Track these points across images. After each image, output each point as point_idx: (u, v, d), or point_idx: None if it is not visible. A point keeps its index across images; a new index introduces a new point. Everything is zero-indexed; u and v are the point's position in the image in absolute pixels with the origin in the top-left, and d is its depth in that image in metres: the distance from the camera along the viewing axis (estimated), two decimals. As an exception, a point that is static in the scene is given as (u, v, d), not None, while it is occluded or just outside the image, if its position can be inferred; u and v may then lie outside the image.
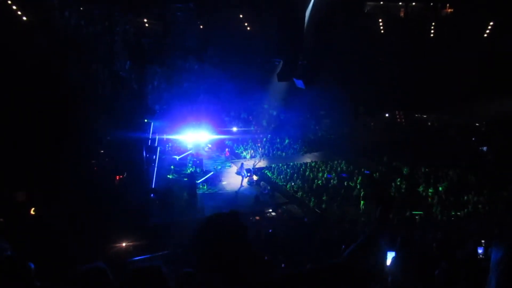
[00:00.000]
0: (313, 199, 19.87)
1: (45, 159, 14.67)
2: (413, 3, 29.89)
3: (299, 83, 20.05)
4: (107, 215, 14.27)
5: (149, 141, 19.72)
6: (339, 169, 22.86)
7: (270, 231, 15.34)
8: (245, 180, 21.66)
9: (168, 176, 21.34)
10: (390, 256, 4.11)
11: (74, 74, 19.70)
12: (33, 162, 14.15)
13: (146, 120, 20.70)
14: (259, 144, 26.29)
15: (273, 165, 23.74)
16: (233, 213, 2.10)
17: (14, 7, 22.29)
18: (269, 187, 21.36)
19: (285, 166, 23.52)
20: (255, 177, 21.81)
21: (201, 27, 29.55)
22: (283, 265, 10.96)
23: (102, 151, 17.43)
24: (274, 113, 29.21)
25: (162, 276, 2.24)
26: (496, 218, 15.76)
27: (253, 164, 23.41)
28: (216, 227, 2.02)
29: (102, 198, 14.88)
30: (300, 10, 18.80)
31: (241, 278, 1.95)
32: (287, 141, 26.72)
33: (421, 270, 4.05)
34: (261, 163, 24.06)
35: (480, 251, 6.53)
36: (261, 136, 27.05)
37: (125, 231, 14.13)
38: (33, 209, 12.94)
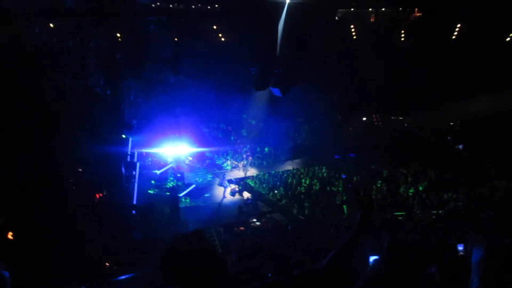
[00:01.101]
0: (296, 206, 19.91)
1: (21, 180, 14.23)
2: (383, 9, 30.61)
3: (276, 91, 20.17)
4: (88, 234, 13.93)
5: (128, 156, 19.39)
6: (320, 174, 22.99)
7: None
8: (228, 191, 21.55)
9: (149, 191, 21.02)
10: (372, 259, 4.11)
11: (47, 91, 19.27)
12: (8, 184, 13.70)
13: (124, 136, 20.35)
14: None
15: (254, 175, 23.70)
16: (197, 233, 2.04)
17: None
18: (251, 197, 21.31)
19: (267, 175, 23.52)
20: (235, 187, 21.73)
21: (176, 39, 29.50)
22: (269, 274, 10.90)
23: (80, 169, 17.03)
24: (253, 122, 29.25)
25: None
26: (475, 215, 16.10)
27: (244, 172, 23.44)
28: (181, 250, 1.96)
29: (82, 217, 14.52)
30: (273, 19, 19.00)
31: None
32: (267, 149, 26.75)
33: (408, 272, 4.07)
34: (251, 171, 24.06)
35: (460, 248, 6.61)
36: (241, 146, 27.01)
37: (108, 249, 13.84)
38: (10, 233, 12.50)
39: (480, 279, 1.89)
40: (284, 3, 19.10)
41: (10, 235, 12.22)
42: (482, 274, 1.88)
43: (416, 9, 30.83)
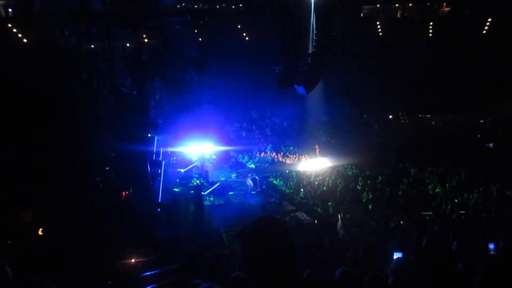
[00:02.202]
0: (320, 205, 19.74)
1: (51, 178, 14.70)
2: (410, 4, 29.98)
3: (300, 90, 20.06)
4: (114, 231, 14.23)
5: (154, 155, 19.72)
6: (344, 173, 22.71)
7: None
8: (252, 189, 21.59)
9: (174, 189, 21.30)
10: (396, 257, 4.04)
11: (76, 92, 19.86)
12: (39, 182, 14.18)
13: (149, 135, 20.71)
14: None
15: (277, 173, 23.63)
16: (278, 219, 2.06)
17: (15, 30, 22.61)
18: (275, 196, 21.27)
19: (291, 173, 23.42)
20: (250, 181, 21.68)
21: (200, 39, 29.80)
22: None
23: (107, 168, 17.43)
24: (277, 120, 29.21)
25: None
26: (505, 215, 15.55)
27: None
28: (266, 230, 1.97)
29: (109, 215, 14.85)
30: (299, 17, 18.90)
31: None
32: (291, 148, 26.63)
33: (440, 270, 3.98)
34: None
35: (491, 247, 6.40)
36: (265, 144, 26.99)
37: (134, 246, 14.09)
38: (41, 229, 12.92)
39: None
40: (309, 1, 18.95)
41: (40, 231, 12.63)
42: None
43: (445, 4, 30.07)
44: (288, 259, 1.93)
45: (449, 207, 17.89)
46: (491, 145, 24.49)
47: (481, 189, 18.69)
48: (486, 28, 26.80)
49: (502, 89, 24.10)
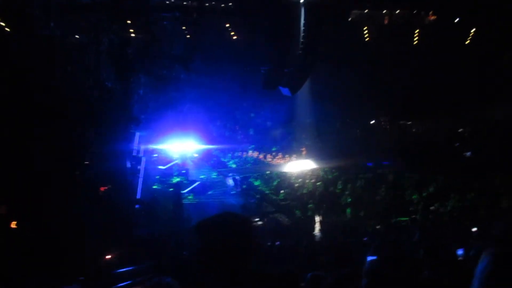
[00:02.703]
0: (299, 208, 19.93)
1: (27, 170, 14.49)
2: (397, 11, 30.29)
3: (285, 91, 20.18)
4: (91, 226, 14.14)
5: (134, 151, 19.58)
6: (330, 176, 22.91)
7: (277, 243, 15.47)
8: (232, 189, 21.66)
9: (154, 186, 21.23)
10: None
11: (61, 85, 19.58)
12: (14, 174, 13.97)
13: (131, 130, 20.56)
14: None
15: (258, 174, 23.75)
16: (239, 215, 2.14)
17: (-2, 19, 22.22)
18: (257, 196, 21.38)
19: (271, 174, 23.55)
20: (231, 181, 21.77)
21: (188, 36, 29.65)
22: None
23: (86, 162, 17.26)
24: (261, 121, 29.29)
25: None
26: (479, 222, 15.90)
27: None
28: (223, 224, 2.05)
29: (86, 210, 14.75)
30: (287, 19, 19.01)
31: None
32: (274, 149, 26.76)
33: (401, 273, 4.10)
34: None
35: (460, 252, 6.61)
36: (247, 145, 27.07)
37: (111, 242, 14.03)
38: (14, 222, 12.77)
39: (481, 285, 1.91)
40: (298, 3, 19.05)
41: (13, 224, 12.48)
42: (485, 279, 1.91)
43: (431, 12, 30.47)
44: (244, 255, 2.02)
45: (423, 214, 18.23)
46: (468, 154, 25.00)
47: (456, 196, 19.08)
48: (470, 37, 27.27)
49: (484, 97, 24.59)
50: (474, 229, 14.84)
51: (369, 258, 3.87)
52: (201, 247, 2.02)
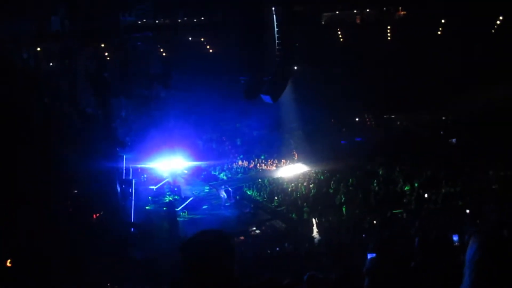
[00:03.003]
0: (295, 212, 19.90)
1: (16, 205, 14.14)
2: (367, 10, 30.82)
3: (267, 99, 20.26)
4: (88, 255, 13.85)
5: (123, 174, 19.36)
6: (321, 177, 22.94)
7: (277, 249, 15.41)
8: (225, 201, 21.52)
9: (147, 207, 20.96)
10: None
11: (38, 114, 19.24)
12: (4, 210, 13.62)
13: (118, 154, 20.33)
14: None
15: (250, 183, 23.68)
16: (218, 232, 2.16)
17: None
18: (250, 206, 21.27)
19: (264, 182, 23.50)
20: (224, 193, 21.67)
21: (164, 54, 29.64)
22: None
23: (75, 191, 16.96)
24: (247, 130, 29.29)
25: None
26: (471, 207, 16.12)
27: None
28: (201, 246, 2.08)
29: (81, 239, 14.44)
30: (260, 28, 19.15)
31: None
32: (263, 157, 26.75)
33: (400, 268, 4.10)
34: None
35: (455, 238, 6.68)
36: (236, 155, 27.01)
37: (109, 269, 13.75)
38: (9, 260, 12.41)
39: (471, 273, 1.90)
40: (271, 10, 19.23)
41: (8, 263, 12.13)
42: (474, 268, 1.89)
43: (400, 8, 31.09)
44: (225, 270, 2.05)
45: (416, 204, 18.39)
46: (453, 140, 25.44)
47: (448, 183, 19.33)
48: (440, 29, 27.87)
49: (459, 88, 25.13)
50: (467, 212, 15.09)
51: (369, 256, 3.88)
52: (184, 267, 2.06)
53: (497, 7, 24.32)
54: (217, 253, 2.06)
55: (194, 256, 2.05)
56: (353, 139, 27.71)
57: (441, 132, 27.10)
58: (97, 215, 16.20)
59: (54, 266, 12.74)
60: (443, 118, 28.36)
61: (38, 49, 24.11)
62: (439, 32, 27.77)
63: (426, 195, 18.97)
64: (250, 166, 26.02)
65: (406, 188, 20.04)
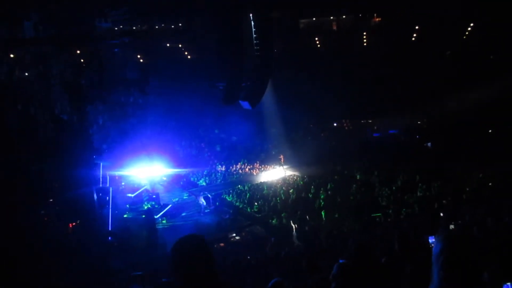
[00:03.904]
0: (275, 217, 19.91)
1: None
2: (343, 16, 31.32)
3: (245, 105, 20.29)
4: (64, 266, 13.52)
5: (100, 182, 19.02)
6: (301, 182, 23.04)
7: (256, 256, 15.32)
8: (205, 208, 21.36)
9: (125, 215, 20.60)
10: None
11: (12, 122, 18.78)
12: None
13: (94, 161, 19.98)
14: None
15: (230, 189, 23.60)
16: (197, 237, 2.28)
17: None
18: (229, 212, 21.17)
19: (243, 187, 23.46)
20: (203, 200, 21.52)
21: (141, 60, 29.39)
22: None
23: (51, 200, 16.57)
24: (226, 136, 29.25)
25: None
26: (447, 209, 16.46)
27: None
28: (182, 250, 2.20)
29: (56, 249, 14.09)
30: (238, 34, 19.18)
31: None
32: (242, 162, 26.72)
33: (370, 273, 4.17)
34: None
35: (431, 240, 6.87)
36: (215, 161, 26.89)
37: (86, 279, 13.45)
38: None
39: (439, 271, 1.95)
40: (248, 17, 19.31)
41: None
42: (440, 266, 1.94)
43: (375, 15, 31.70)
44: (207, 272, 2.18)
45: (394, 207, 18.67)
46: (429, 144, 25.99)
47: (424, 186, 19.70)
48: (415, 35, 28.55)
49: (433, 92, 25.76)
50: (442, 215, 15.38)
51: (340, 262, 3.94)
52: (171, 272, 2.18)
53: (468, 14, 25.10)
54: (202, 255, 2.19)
55: (181, 259, 2.17)
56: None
57: (417, 136, 27.66)
58: (73, 224, 15.85)
59: (27, 277, 12.38)
60: (419, 122, 28.98)
61: (11, 55, 23.59)
62: (413, 38, 28.45)
63: (404, 198, 19.29)
64: (230, 172, 25.94)
65: (384, 192, 20.32)
